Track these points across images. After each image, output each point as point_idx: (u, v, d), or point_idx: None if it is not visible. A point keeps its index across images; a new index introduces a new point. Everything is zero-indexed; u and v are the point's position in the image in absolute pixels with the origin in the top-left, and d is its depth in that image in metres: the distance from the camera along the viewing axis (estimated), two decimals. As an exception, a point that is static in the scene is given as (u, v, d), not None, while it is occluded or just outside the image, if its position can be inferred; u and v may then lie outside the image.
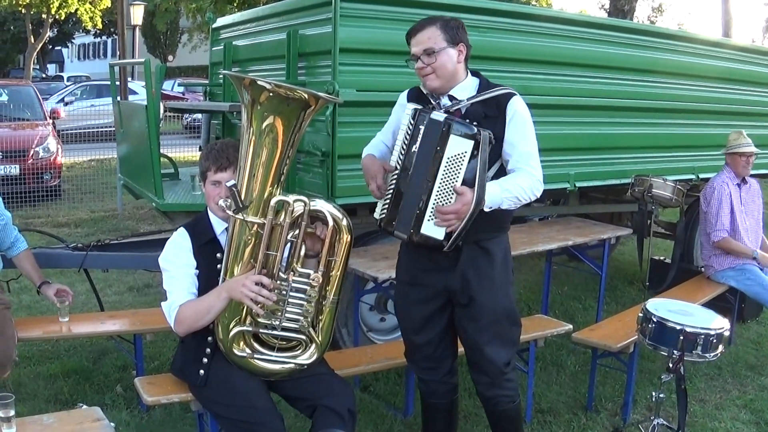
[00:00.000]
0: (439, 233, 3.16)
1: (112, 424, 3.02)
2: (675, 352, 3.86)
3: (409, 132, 3.20)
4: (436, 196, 3.14)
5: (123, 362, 5.20)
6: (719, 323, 3.96)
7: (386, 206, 3.26)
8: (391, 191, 3.25)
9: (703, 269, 6.25)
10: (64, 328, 4.50)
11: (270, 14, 5.73)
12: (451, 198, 3.12)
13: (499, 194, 3.19)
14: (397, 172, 3.23)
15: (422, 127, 3.16)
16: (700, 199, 6.21)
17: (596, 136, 6.12)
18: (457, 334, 3.62)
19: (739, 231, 5.86)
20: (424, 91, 3.41)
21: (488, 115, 3.27)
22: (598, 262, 6.30)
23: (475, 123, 3.15)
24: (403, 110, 3.34)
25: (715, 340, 3.88)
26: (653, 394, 4.16)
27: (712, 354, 3.90)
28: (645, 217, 6.58)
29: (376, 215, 3.35)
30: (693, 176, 7.03)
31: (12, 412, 2.83)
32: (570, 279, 7.68)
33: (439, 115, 3.14)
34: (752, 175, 6.23)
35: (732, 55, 7.33)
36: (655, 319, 3.95)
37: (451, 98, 3.34)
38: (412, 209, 3.18)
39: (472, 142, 3.09)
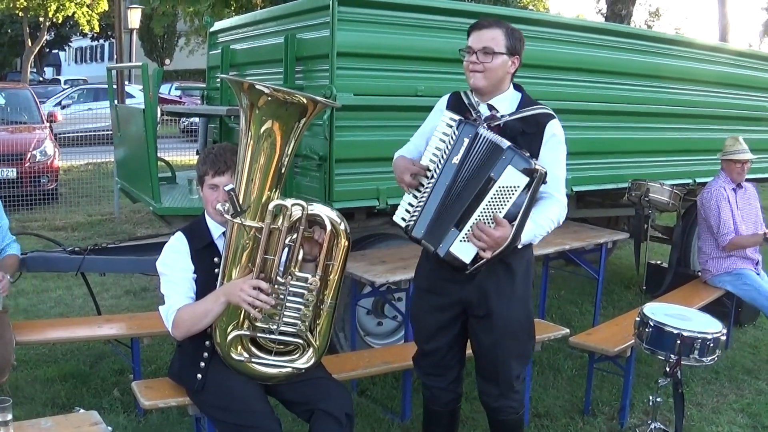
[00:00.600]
0: (467, 256, 3.14)
1: (110, 428, 3.01)
2: (672, 356, 3.86)
3: (451, 142, 3.15)
4: (476, 220, 3.09)
5: (120, 366, 5.19)
6: (716, 327, 3.97)
7: (417, 213, 3.21)
8: (425, 199, 3.19)
9: (699, 274, 6.26)
10: (63, 332, 4.49)
11: (267, 18, 5.74)
12: (490, 226, 3.08)
13: (532, 231, 3.20)
14: (433, 180, 3.18)
15: (467, 140, 3.12)
16: (697, 204, 6.22)
17: (593, 141, 6.13)
18: (466, 343, 3.61)
19: (740, 234, 5.86)
20: (465, 100, 3.38)
21: (526, 132, 3.25)
22: (595, 267, 6.31)
23: (534, 160, 3.11)
24: (440, 115, 3.32)
25: (712, 345, 3.89)
26: (650, 398, 4.17)
27: (709, 358, 3.91)
28: (642, 221, 6.59)
29: (399, 218, 3.30)
30: (690, 181, 7.04)
31: (9, 416, 2.82)
32: (567, 283, 7.68)
33: (501, 141, 3.09)
34: (750, 180, 6.24)
35: (729, 60, 7.35)
36: (652, 324, 3.96)
37: (491, 108, 3.31)
38: (447, 225, 3.15)
39: (527, 179, 3.05)
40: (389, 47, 4.80)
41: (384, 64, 4.81)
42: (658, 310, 4.12)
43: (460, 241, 3.12)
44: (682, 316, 4.09)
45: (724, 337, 3.98)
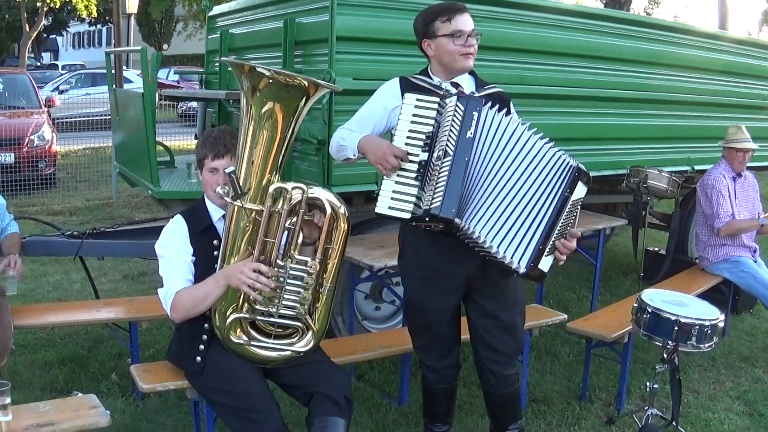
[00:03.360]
0: (547, 266, 3.22)
1: (108, 411, 3.03)
2: (669, 342, 3.88)
3: (456, 119, 3.11)
4: (556, 234, 3.17)
5: (118, 350, 5.20)
6: (714, 314, 3.98)
7: (440, 194, 3.06)
8: (445, 179, 3.08)
9: (697, 261, 6.27)
10: (61, 316, 4.50)
11: (267, 2, 5.72)
12: (563, 236, 3.22)
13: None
14: (449, 159, 3.08)
15: (476, 114, 3.13)
16: (696, 191, 6.23)
17: (592, 127, 6.12)
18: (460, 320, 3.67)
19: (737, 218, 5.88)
20: (422, 82, 3.40)
21: (500, 109, 3.27)
22: (593, 253, 6.32)
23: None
24: (392, 99, 3.38)
25: (709, 331, 3.90)
26: (647, 384, 4.18)
27: (706, 345, 3.92)
28: (640, 208, 6.59)
29: (385, 207, 3.15)
30: (688, 168, 7.03)
31: (8, 400, 2.84)
32: (564, 269, 7.66)
33: (572, 160, 3.20)
34: (749, 168, 6.24)
35: (728, 48, 7.33)
36: (650, 310, 3.97)
37: (455, 85, 3.38)
38: (529, 239, 3.15)
39: (586, 189, 3.23)
40: (388, 32, 4.79)
41: (383, 49, 4.79)
42: (655, 296, 4.13)
43: (545, 256, 3.17)
44: (679, 302, 4.11)
45: (722, 324, 4.00)
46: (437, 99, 3.18)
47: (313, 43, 4.94)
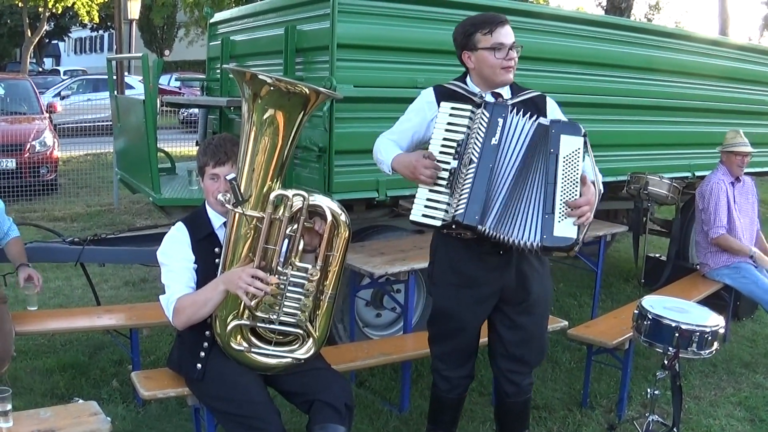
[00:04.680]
0: (572, 232, 3.13)
1: (108, 418, 3.03)
2: (670, 349, 3.87)
3: (482, 126, 3.15)
4: (561, 195, 3.12)
5: (119, 357, 5.20)
6: (714, 320, 3.97)
7: (463, 201, 3.12)
8: (469, 186, 3.12)
9: (698, 267, 6.27)
10: (63, 322, 4.52)
11: (268, 9, 5.74)
12: (575, 194, 3.14)
13: (596, 179, 3.26)
14: (473, 166, 3.13)
15: (501, 120, 3.16)
16: (695, 196, 6.23)
17: (593, 134, 6.05)
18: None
19: (735, 229, 5.88)
20: (460, 90, 3.41)
21: (532, 113, 3.29)
22: (594, 259, 6.32)
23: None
24: (431, 108, 3.38)
25: (710, 338, 3.89)
26: (648, 390, 4.17)
27: (707, 351, 3.91)
28: (641, 214, 6.60)
29: (419, 215, 3.19)
30: (689, 174, 7.04)
31: (9, 407, 2.84)
32: (565, 276, 7.69)
33: (542, 120, 3.22)
34: (748, 173, 6.25)
35: (729, 54, 7.34)
36: (650, 316, 3.96)
37: (496, 95, 3.38)
38: (534, 215, 3.14)
39: (581, 138, 3.19)
40: (389, 39, 4.80)
41: (384, 56, 4.81)
42: (656, 303, 4.12)
43: (558, 222, 3.12)
44: (680, 308, 4.10)
45: (722, 330, 3.99)
46: (470, 107, 3.21)
47: (314, 51, 4.95)
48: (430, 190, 3.19)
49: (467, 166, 3.14)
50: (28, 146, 11.25)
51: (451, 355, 3.64)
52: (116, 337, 4.87)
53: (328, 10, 4.58)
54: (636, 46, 6.32)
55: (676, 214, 7.00)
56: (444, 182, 3.17)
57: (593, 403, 4.85)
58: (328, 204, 3.16)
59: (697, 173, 7.00)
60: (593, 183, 3.21)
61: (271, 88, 3.01)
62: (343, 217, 3.18)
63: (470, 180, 3.13)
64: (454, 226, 3.16)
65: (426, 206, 3.19)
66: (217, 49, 6.51)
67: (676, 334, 3.84)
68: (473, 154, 3.14)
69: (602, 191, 3.29)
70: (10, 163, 10.99)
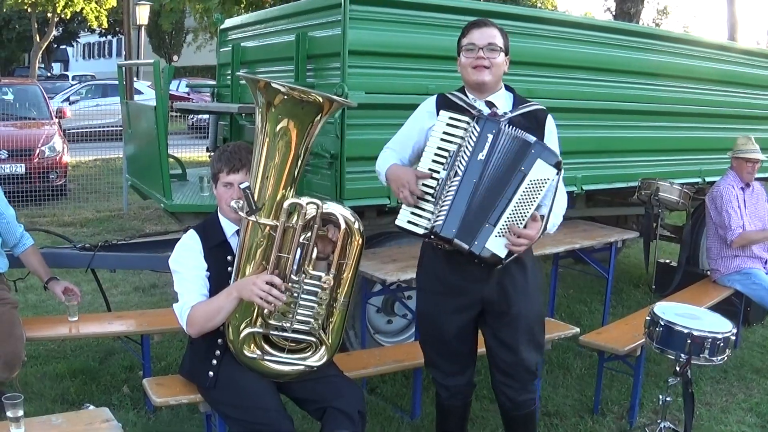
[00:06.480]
0: (502, 252, 3.16)
1: (120, 424, 3.03)
2: (682, 355, 3.86)
3: (472, 139, 3.16)
4: (510, 214, 3.14)
5: (129, 362, 5.21)
6: (726, 327, 3.96)
7: (443, 212, 3.15)
8: (451, 198, 3.15)
9: (709, 273, 6.25)
10: (72, 329, 4.52)
11: (279, 16, 5.75)
12: (522, 220, 3.15)
13: (552, 221, 3.28)
14: (458, 178, 3.15)
15: (491, 136, 3.15)
16: (706, 202, 6.22)
17: (603, 139, 6.12)
18: (477, 335, 3.63)
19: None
20: (457, 99, 3.40)
21: (529, 128, 3.28)
22: (605, 265, 6.31)
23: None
24: (430, 117, 3.38)
25: (722, 344, 3.88)
26: (660, 397, 4.16)
27: (719, 357, 3.90)
28: (651, 220, 6.58)
29: (404, 221, 3.25)
30: (699, 179, 7.03)
31: (21, 413, 2.85)
32: (576, 282, 7.68)
33: (527, 136, 3.19)
34: (758, 179, 6.24)
35: (738, 59, 7.33)
36: (662, 323, 3.95)
37: (489, 105, 3.36)
38: (480, 221, 3.15)
39: (555, 171, 3.17)
40: (401, 45, 4.81)
41: (395, 63, 4.81)
42: (668, 310, 4.11)
43: (495, 236, 3.14)
44: (692, 315, 4.09)
45: (734, 337, 3.98)
46: (467, 119, 3.22)
47: (325, 57, 4.96)
48: (418, 198, 3.23)
49: (452, 178, 3.18)
50: (38, 151, 11.29)
51: (440, 361, 3.65)
52: (127, 343, 4.88)
53: (340, 16, 4.58)
54: (645, 52, 6.31)
55: (686, 220, 6.99)
56: (432, 191, 3.21)
57: (605, 410, 4.84)
58: (341, 212, 3.16)
59: (708, 179, 6.99)
60: (543, 218, 3.20)
61: (285, 96, 3.01)
62: (356, 225, 3.18)
63: (452, 193, 3.16)
64: (432, 236, 3.21)
65: (412, 213, 3.25)
66: (228, 55, 6.52)
67: (688, 341, 3.83)
68: (459, 167, 3.17)
69: (552, 232, 3.36)
70: (20, 168, 11.02)
